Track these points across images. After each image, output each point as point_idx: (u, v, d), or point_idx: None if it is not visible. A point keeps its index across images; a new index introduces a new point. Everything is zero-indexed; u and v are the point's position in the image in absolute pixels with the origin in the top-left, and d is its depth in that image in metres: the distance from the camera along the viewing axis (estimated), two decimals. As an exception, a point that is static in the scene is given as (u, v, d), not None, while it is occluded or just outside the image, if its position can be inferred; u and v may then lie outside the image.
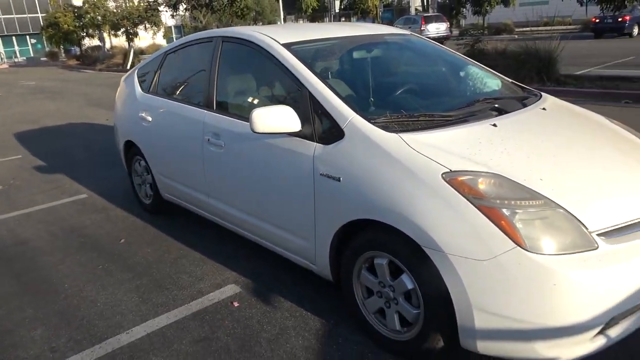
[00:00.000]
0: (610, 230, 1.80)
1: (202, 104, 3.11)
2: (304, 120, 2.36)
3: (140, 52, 25.16)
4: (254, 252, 3.18)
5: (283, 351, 2.24)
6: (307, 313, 2.52)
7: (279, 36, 2.79)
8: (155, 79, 3.76)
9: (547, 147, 2.11)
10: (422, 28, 21.97)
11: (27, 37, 39.94)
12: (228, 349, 2.27)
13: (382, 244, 2.09)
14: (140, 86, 3.90)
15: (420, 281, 1.96)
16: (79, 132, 7.74)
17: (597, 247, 1.75)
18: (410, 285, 2.02)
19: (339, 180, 2.17)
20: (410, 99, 2.66)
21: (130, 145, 4.03)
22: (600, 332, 1.79)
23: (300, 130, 2.35)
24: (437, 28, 22.28)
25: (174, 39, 39.67)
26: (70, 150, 6.52)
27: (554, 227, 1.75)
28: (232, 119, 2.83)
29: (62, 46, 27.27)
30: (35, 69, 26.00)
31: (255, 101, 2.89)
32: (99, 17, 23.30)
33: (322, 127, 2.32)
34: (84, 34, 25.11)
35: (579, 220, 1.77)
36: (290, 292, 2.72)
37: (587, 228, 1.76)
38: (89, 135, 7.44)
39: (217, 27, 22.42)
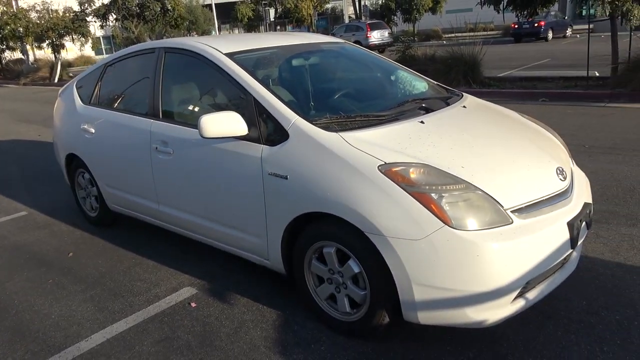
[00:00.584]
0: (522, 207, 2.11)
1: (147, 114, 3.18)
2: (250, 124, 2.51)
3: (68, 65, 24.03)
4: (207, 254, 3.28)
5: (243, 342, 2.37)
6: (264, 307, 2.66)
7: (221, 46, 2.93)
8: (95, 90, 3.76)
9: (467, 139, 2.40)
10: (368, 35, 22.23)
11: (-62, 51, 36.85)
12: (189, 345, 2.37)
13: (329, 233, 2.28)
14: (80, 98, 3.88)
15: (365, 264, 2.17)
16: (9, 149, 7.38)
17: (512, 222, 2.04)
18: (356, 269, 2.22)
19: (286, 178, 2.35)
20: (347, 101, 2.89)
21: (72, 159, 3.98)
22: (520, 296, 2.09)
23: (247, 134, 2.50)
24: (382, 35, 22.66)
25: (104, 50, 38.24)
26: (2, 168, 6.23)
27: (475, 207, 2.03)
28: (179, 126, 2.93)
29: (-21, 60, 25.47)
30: (-51, 86, 24.08)
31: (201, 109, 3.01)
32: (21, 29, 22.02)
33: (267, 130, 2.49)
34: (4, 46, 23.61)
35: (495, 200, 2.05)
36: (246, 289, 2.85)
37: (502, 206, 2.06)
38: (22, 152, 7.13)
39: (150, 38, 21.92)
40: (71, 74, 19.63)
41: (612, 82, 8.23)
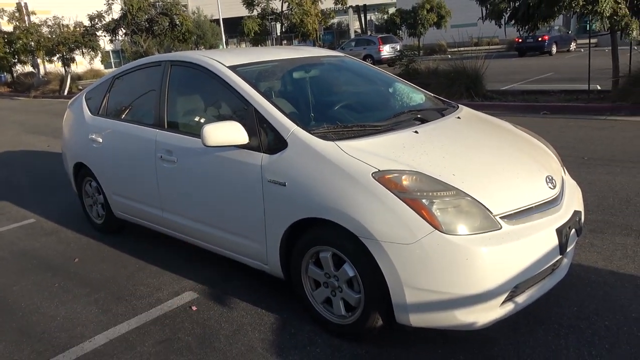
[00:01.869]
0: (511, 214, 2.18)
1: (153, 124, 3.30)
2: (250, 133, 2.62)
3: (77, 78, 24.45)
4: (208, 260, 3.36)
5: (241, 344, 2.44)
6: (262, 311, 2.74)
7: (224, 59, 3.05)
8: (104, 102, 3.90)
9: (459, 148, 2.49)
10: (380, 49, 22.64)
11: (-49, 64, 37.64)
12: (189, 346, 2.45)
13: (325, 239, 2.37)
14: (89, 109, 4.02)
15: (360, 268, 2.25)
16: (19, 159, 7.55)
17: (501, 227, 2.12)
18: (351, 273, 2.30)
19: (285, 185, 2.44)
20: (345, 112, 2.99)
21: (79, 167, 4.11)
22: (509, 299, 2.16)
23: (248, 143, 2.61)
24: (393, 47, 22.59)
25: (112, 64, 38.84)
26: (11, 177, 6.38)
27: (465, 213, 2.10)
28: (183, 136, 3.05)
29: (-9, 73, 26.00)
30: (-39, 98, 24.56)
31: (205, 119, 3.12)
32: (32, 43, 22.50)
33: (267, 139, 2.59)
34: (16, 60, 24.09)
35: (485, 207, 2.13)
36: (246, 294, 2.93)
37: (491, 212, 2.13)
38: (31, 162, 7.29)
39: (159, 52, 22.28)
40: (80, 87, 19.97)
41: (613, 95, 8.31)
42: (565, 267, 2.48)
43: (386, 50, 22.80)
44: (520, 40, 21.64)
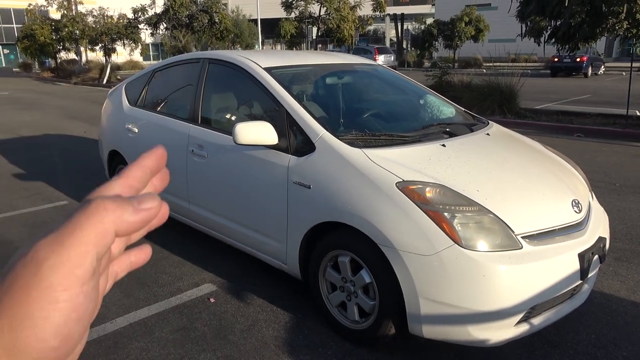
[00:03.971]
0: (533, 235, 2.18)
1: (187, 118, 3.41)
2: (280, 134, 2.68)
3: (117, 68, 25.21)
4: (229, 254, 3.44)
5: (255, 339, 2.50)
6: (277, 309, 2.79)
7: (260, 61, 3.13)
8: (143, 93, 4.04)
9: (485, 165, 2.49)
10: (375, 58, 24.79)
11: (0, 47, 39.34)
12: (205, 337, 2.52)
13: (345, 243, 2.41)
14: (128, 100, 4.17)
15: (377, 275, 2.28)
16: (56, 143, 7.85)
17: (521, 247, 2.11)
18: (368, 279, 2.33)
19: (310, 188, 2.49)
20: (374, 120, 3.03)
21: (114, 155, 4.26)
22: (524, 320, 2.14)
23: (277, 144, 2.67)
24: (387, 58, 25.81)
25: (151, 57, 39.76)
26: (48, 159, 6.64)
27: (486, 230, 2.11)
28: (215, 132, 3.14)
29: (36, 58, 27.04)
30: (7, 79, 25.63)
31: (237, 117, 3.20)
32: (77, 31, 23.34)
33: (296, 141, 2.65)
34: (61, 47, 25.02)
35: (507, 225, 2.13)
36: (263, 290, 2.99)
37: (513, 231, 2.13)
38: (67, 146, 7.57)
39: (196, 48, 22.76)
40: (119, 77, 20.58)
41: (652, 122, 8.07)
42: (585, 293, 2.45)
43: (381, 60, 24.77)
44: (556, 60, 21.05)
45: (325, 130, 2.57)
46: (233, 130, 2.63)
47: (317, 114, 2.78)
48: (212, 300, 2.89)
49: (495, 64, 23.32)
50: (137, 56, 30.47)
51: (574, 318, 2.59)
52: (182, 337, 2.52)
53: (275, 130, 2.67)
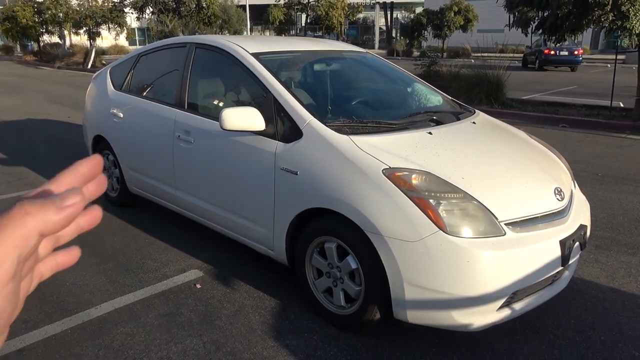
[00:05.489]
0: (516, 221, 2.21)
1: (173, 104, 3.37)
2: (268, 121, 2.67)
3: (102, 52, 24.73)
4: (216, 241, 3.44)
5: (241, 324, 2.51)
6: (264, 294, 2.80)
7: (248, 46, 3.10)
8: (128, 78, 3.98)
9: (471, 153, 2.52)
10: None
11: (-20, 29, 38.26)
12: (191, 322, 2.53)
13: (331, 229, 2.42)
14: (113, 84, 4.10)
15: (362, 261, 2.30)
16: (39, 128, 7.71)
17: (505, 234, 2.15)
18: (354, 265, 2.35)
19: (297, 174, 2.49)
20: (362, 108, 3.03)
21: (98, 140, 4.20)
22: (506, 305, 2.19)
23: (264, 130, 2.66)
24: None
25: (137, 42, 39.05)
26: (31, 145, 6.53)
27: (470, 216, 2.14)
28: (202, 117, 3.11)
29: (18, 41, 26.40)
30: (-12, 63, 25.04)
31: (224, 103, 3.18)
32: (61, 14, 22.80)
33: (283, 128, 2.64)
34: (44, 30, 24.44)
35: (491, 212, 2.16)
36: (249, 277, 3.00)
37: (497, 218, 2.16)
38: (50, 132, 7.44)
39: (183, 33, 22.42)
40: (104, 62, 20.20)
41: (635, 113, 8.19)
42: (566, 279, 2.50)
43: None
44: (552, 52, 19.55)
45: (313, 117, 2.57)
46: (220, 115, 2.61)
47: (304, 100, 2.77)
48: (198, 286, 2.89)
49: (483, 54, 23.43)
50: (122, 41, 29.87)
51: (554, 304, 2.65)
52: (168, 322, 2.52)
53: (263, 116, 2.66)
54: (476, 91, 9.66)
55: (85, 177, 0.36)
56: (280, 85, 2.75)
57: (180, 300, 2.72)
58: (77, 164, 0.36)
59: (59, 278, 2.96)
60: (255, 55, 2.99)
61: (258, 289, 2.86)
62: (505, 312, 2.18)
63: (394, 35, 38.93)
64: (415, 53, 28.14)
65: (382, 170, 2.24)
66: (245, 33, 30.12)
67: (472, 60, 21.68)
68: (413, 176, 2.22)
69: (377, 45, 39.98)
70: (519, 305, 2.24)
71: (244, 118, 2.62)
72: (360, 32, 47.48)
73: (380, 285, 2.24)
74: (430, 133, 2.62)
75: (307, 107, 2.64)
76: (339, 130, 2.51)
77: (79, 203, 0.33)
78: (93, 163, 0.37)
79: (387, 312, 2.30)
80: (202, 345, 2.34)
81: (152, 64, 3.86)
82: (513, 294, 2.14)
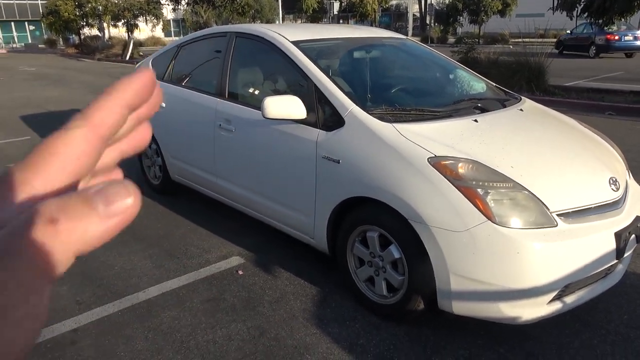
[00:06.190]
0: (569, 212, 2.13)
1: (214, 93, 3.40)
2: (309, 109, 2.66)
3: (139, 44, 25.30)
4: (257, 228, 3.47)
5: (283, 311, 2.54)
6: (305, 282, 2.82)
7: (288, 34, 3.09)
8: (169, 68, 4.04)
9: (519, 141, 2.43)
10: None
11: (26, 23, 39.84)
12: (235, 307, 2.57)
13: (374, 219, 2.40)
14: (155, 75, 4.17)
15: (406, 251, 2.27)
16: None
17: (556, 225, 2.07)
18: (397, 255, 2.32)
19: (339, 163, 2.48)
20: (404, 95, 2.98)
21: (141, 130, 4.30)
22: (557, 298, 2.12)
23: (305, 118, 2.65)
24: None
25: (172, 33, 39.70)
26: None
27: (520, 206, 2.07)
28: (242, 106, 3.13)
29: (61, 34, 27.32)
30: (33, 56, 26.06)
31: (265, 91, 3.19)
32: (100, 7, 23.42)
33: (325, 116, 2.63)
34: (84, 23, 25.19)
35: (542, 202, 2.09)
36: (290, 264, 3.02)
37: (548, 209, 2.09)
38: (94, 122, 7.67)
39: (216, 23, 22.63)
40: (141, 53, 20.65)
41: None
42: (619, 273, 2.40)
43: None
44: (617, 38, 17.52)
45: (355, 105, 2.54)
46: (262, 104, 2.62)
47: (345, 88, 2.74)
48: (240, 272, 2.93)
49: (523, 40, 22.59)
50: (158, 32, 30.47)
51: (605, 298, 2.55)
52: (212, 307, 2.57)
53: (304, 104, 2.65)
54: (517, 78, 9.34)
55: (130, 107, 0.25)
56: (322, 73, 2.73)
57: (223, 286, 2.77)
58: (119, 86, 0.25)
59: (108, 262, 3.07)
60: (296, 44, 2.98)
61: (298, 276, 2.88)
62: (557, 306, 2.12)
63: (428, 22, 38.11)
64: (451, 40, 27.47)
65: (428, 159, 2.19)
66: (277, 22, 30.14)
67: (511, 47, 20.99)
68: (459, 165, 2.16)
69: (410, 33, 39.24)
70: (570, 299, 2.17)
71: (286, 106, 2.62)
72: (393, 20, 46.68)
73: (424, 275, 2.21)
74: (475, 121, 2.55)
75: (348, 94, 2.61)
76: (381, 118, 2.47)
77: (132, 208, 0.22)
78: (142, 82, 0.26)
79: (431, 302, 2.27)
80: (247, 331, 2.38)
81: (193, 54, 3.90)
82: (565, 287, 2.07)
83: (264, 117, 2.63)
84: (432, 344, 2.28)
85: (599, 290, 2.27)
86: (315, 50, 3.06)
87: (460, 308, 2.15)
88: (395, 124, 2.41)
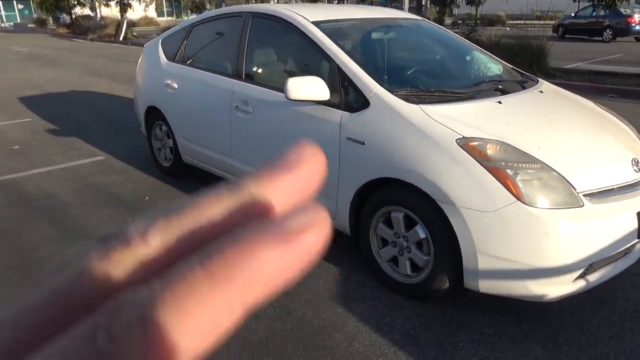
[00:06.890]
0: (594, 192, 2.16)
1: (230, 74, 3.38)
2: (332, 90, 2.65)
3: (132, 24, 24.86)
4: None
5: (307, 291, 2.57)
6: (327, 263, 2.85)
7: (307, 14, 3.06)
8: (181, 49, 4.00)
9: (543, 122, 2.45)
10: None
11: (14, 2, 38.90)
12: (259, 287, 2.60)
13: (399, 199, 2.42)
14: (165, 55, 4.13)
15: (432, 231, 2.30)
16: (84, 99, 7.88)
17: (583, 205, 2.11)
18: (422, 235, 2.35)
19: (364, 144, 2.49)
20: (424, 77, 2.97)
21: (151, 111, 4.27)
22: (582, 277, 2.17)
23: (328, 99, 2.65)
24: None
25: (165, 12, 38.98)
26: (79, 115, 6.69)
27: (548, 187, 2.10)
28: (261, 87, 3.11)
29: (51, 14, 26.77)
30: (24, 36, 25.50)
31: (285, 72, 3.17)
32: (92, -14, 22.95)
33: (348, 97, 2.62)
34: (76, 1, 24.70)
35: (569, 183, 2.12)
36: (309, 245, 3.04)
37: (575, 189, 2.12)
38: (95, 102, 7.60)
39: (210, 3, 22.23)
40: (135, 34, 20.31)
41: (691, 83, 7.79)
42: (638, 252, 2.45)
43: None
44: (637, 21, 16.38)
45: (380, 86, 2.54)
46: (285, 85, 2.61)
47: (368, 69, 2.73)
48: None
49: (519, 21, 22.41)
50: (151, 12, 29.95)
51: (622, 277, 2.60)
52: (237, 287, 2.60)
53: (327, 85, 2.64)
54: (518, 60, 9.32)
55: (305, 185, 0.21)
56: (345, 54, 2.72)
57: (245, 267, 2.79)
58: (294, 159, 0.21)
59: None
60: (316, 24, 2.95)
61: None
62: (581, 284, 2.17)
63: (424, 2, 37.70)
64: (447, 21, 27.26)
65: (456, 140, 2.21)
66: (274, 1, 29.67)
67: (507, 29, 20.87)
68: (488, 146, 2.18)
69: (406, 14, 38.79)
70: (593, 277, 2.22)
71: (309, 88, 2.61)
72: (388, 0, 46.15)
73: (450, 255, 2.25)
74: (499, 102, 2.56)
75: (373, 75, 2.61)
76: (406, 99, 2.47)
77: (323, 235, 0.19)
78: (317, 160, 0.21)
79: (456, 281, 2.31)
80: (273, 310, 2.41)
81: (206, 34, 3.86)
82: (589, 265, 2.12)
83: (287, 98, 2.63)
84: (456, 322, 2.33)
85: (619, 269, 2.33)
86: (335, 30, 3.04)
87: (486, 286, 2.19)
88: (421, 105, 2.41)
